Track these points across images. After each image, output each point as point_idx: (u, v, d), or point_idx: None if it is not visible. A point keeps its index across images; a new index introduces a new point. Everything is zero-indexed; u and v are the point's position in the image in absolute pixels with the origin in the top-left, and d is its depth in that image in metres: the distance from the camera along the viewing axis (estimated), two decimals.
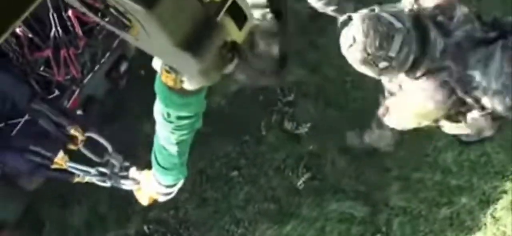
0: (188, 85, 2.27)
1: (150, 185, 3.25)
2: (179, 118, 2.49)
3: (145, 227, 5.40)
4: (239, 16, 1.87)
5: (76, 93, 4.73)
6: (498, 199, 5.16)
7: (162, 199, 3.36)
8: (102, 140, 3.61)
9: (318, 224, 5.21)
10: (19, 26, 4.18)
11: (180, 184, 3.17)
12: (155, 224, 5.41)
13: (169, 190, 3.18)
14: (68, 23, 4.39)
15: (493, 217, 5.13)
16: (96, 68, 4.90)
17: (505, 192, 5.14)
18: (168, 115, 2.48)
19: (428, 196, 5.25)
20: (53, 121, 3.77)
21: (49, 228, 5.53)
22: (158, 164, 2.92)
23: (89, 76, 4.80)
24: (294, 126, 5.53)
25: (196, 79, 2.07)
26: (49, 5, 4.15)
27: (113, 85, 5.22)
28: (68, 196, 5.52)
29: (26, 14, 1.08)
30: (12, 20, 1.07)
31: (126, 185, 3.63)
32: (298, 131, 5.51)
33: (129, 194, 5.33)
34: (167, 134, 2.65)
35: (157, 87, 2.36)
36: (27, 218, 5.32)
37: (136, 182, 3.54)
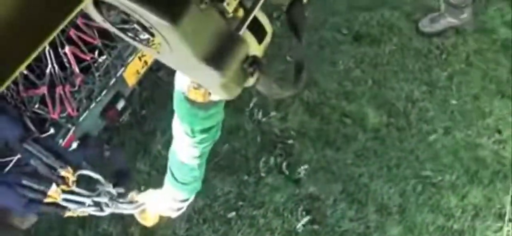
0: (215, 96, 2.30)
1: (160, 203, 3.26)
2: (203, 131, 2.53)
3: None
4: (259, 30, 1.91)
5: (71, 131, 4.67)
6: None
7: (174, 215, 3.35)
8: (94, 174, 3.62)
9: None
10: None
11: (192, 198, 3.18)
12: None
13: (182, 204, 3.19)
14: (65, 60, 4.35)
15: None
16: (92, 106, 4.85)
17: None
18: (192, 131, 2.52)
19: None
20: (44, 162, 3.73)
21: None
22: (176, 180, 2.93)
23: (85, 114, 4.75)
24: (293, 168, 5.48)
25: (218, 93, 2.07)
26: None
27: (109, 123, 5.18)
28: (62, 234, 5.45)
29: (37, 52, 1.04)
30: (24, 58, 1.02)
31: (127, 209, 3.65)
32: (297, 173, 5.46)
33: (123, 232, 5.36)
34: (189, 149, 2.68)
35: (180, 104, 2.39)
36: None
37: (139, 204, 3.54)
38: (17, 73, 1.02)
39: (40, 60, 4.32)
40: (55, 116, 4.43)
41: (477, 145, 5.44)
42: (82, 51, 4.42)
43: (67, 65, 4.39)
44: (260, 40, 1.94)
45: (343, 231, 5.20)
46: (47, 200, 3.72)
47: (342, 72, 5.83)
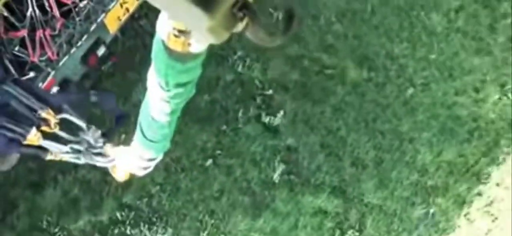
0: (195, 48, 2.20)
1: (128, 160, 3.20)
2: (178, 85, 2.42)
3: (118, 214, 5.41)
4: None
5: (51, 75, 4.71)
6: (472, 201, 5.21)
7: (140, 173, 3.25)
8: (75, 119, 3.64)
9: (292, 217, 5.24)
10: None
11: (159, 158, 3.06)
12: (128, 210, 5.42)
13: (149, 163, 3.12)
14: (46, 4, 4.39)
15: (468, 219, 5.19)
16: (72, 50, 4.90)
17: (480, 194, 5.19)
18: (167, 83, 2.42)
19: (404, 195, 5.28)
20: (24, 103, 3.77)
21: (20, 210, 5.52)
22: (145, 137, 2.87)
23: (65, 58, 4.79)
24: (271, 119, 5.56)
25: (205, 37, 1.96)
26: None
27: (89, 69, 5.23)
28: (41, 179, 5.53)
29: None
30: None
31: (100, 162, 3.63)
32: (276, 124, 5.55)
33: (102, 179, 5.41)
34: (161, 104, 2.58)
35: (157, 55, 2.32)
36: None
37: (111, 159, 3.51)
38: None
39: (21, 3, 4.36)
40: (35, 59, 4.50)
41: (454, 102, 5.52)
42: None
43: (48, 9, 4.42)
44: None
45: (319, 183, 5.32)
46: (27, 142, 3.78)
47: (324, 26, 5.86)
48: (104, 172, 5.33)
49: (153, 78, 2.42)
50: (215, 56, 5.66)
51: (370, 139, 5.43)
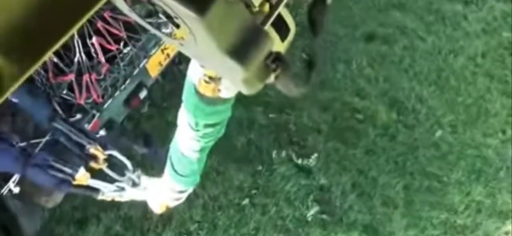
0: (225, 94, 2.31)
1: (161, 192, 3.32)
2: (207, 126, 2.53)
3: None
4: (282, 27, 1.91)
5: (96, 117, 4.94)
6: None
7: (172, 204, 3.39)
8: (122, 158, 3.76)
9: None
10: None
11: (190, 190, 3.21)
12: None
13: (180, 195, 3.23)
14: (92, 50, 4.65)
15: None
16: (116, 93, 5.13)
17: (507, 233, 5.29)
18: (196, 124, 2.52)
19: (434, 234, 5.37)
20: (73, 140, 3.96)
21: None
22: (175, 171, 2.96)
23: (110, 101, 5.03)
24: (305, 160, 5.73)
25: (239, 88, 2.02)
26: (75, 32, 4.36)
27: (132, 111, 5.45)
28: (84, 216, 5.71)
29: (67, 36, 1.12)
30: (58, 38, 1.09)
31: (140, 196, 3.74)
32: (309, 165, 5.71)
33: (143, 216, 5.61)
34: (191, 142, 2.68)
35: (188, 96, 2.40)
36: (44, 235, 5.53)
37: (146, 191, 3.64)
38: (46, 58, 1.06)
39: (69, 49, 4.60)
40: (81, 102, 4.72)
41: (482, 144, 5.65)
42: (108, 42, 4.73)
43: (94, 55, 4.68)
44: (283, 38, 1.92)
45: (351, 221, 5.43)
46: (75, 183, 3.86)
47: (355, 70, 6.08)
48: (145, 209, 5.57)
49: (184, 117, 2.54)
50: (250, 99, 5.85)
51: (400, 180, 5.54)
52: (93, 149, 3.84)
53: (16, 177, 4.56)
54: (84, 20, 1.10)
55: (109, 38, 4.69)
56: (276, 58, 1.79)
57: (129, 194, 3.80)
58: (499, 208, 5.39)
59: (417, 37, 6.25)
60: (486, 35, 6.11)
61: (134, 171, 3.73)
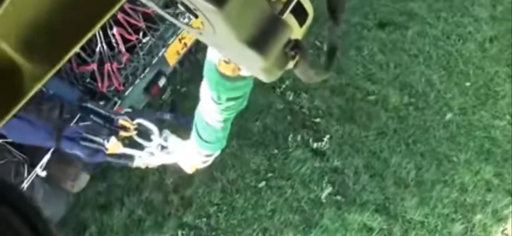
0: (245, 72, 2.34)
1: (189, 155, 3.35)
2: (229, 99, 2.55)
3: (179, 232, 5.76)
4: (300, 12, 1.86)
5: (118, 104, 5.15)
6: (509, 217, 5.44)
7: (200, 166, 3.41)
8: (149, 124, 3.92)
9: (339, 234, 5.52)
10: None
11: (217, 153, 3.24)
12: (189, 229, 5.76)
13: (207, 158, 3.26)
14: (113, 40, 4.87)
15: (505, 234, 5.41)
16: (136, 82, 5.35)
17: None
18: (219, 97, 2.53)
19: (444, 212, 5.53)
20: (102, 115, 4.16)
21: (91, 231, 5.90)
22: (200, 138, 3.01)
23: (130, 88, 5.24)
24: (319, 143, 5.91)
25: (258, 75, 2.02)
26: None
27: (152, 98, 5.67)
28: (108, 201, 5.93)
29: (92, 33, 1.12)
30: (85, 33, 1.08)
31: (170, 159, 3.82)
32: (323, 148, 5.89)
33: (164, 200, 5.80)
34: (214, 114, 2.72)
35: (209, 74, 2.43)
36: (70, 220, 5.76)
37: (174, 154, 3.70)
38: (68, 57, 1.06)
39: (91, 40, 4.78)
40: (104, 90, 4.95)
41: (490, 125, 5.81)
42: (128, 33, 4.94)
43: (115, 45, 4.91)
44: (301, 23, 1.88)
45: (364, 201, 5.61)
46: (108, 152, 4.11)
47: (367, 56, 6.26)
48: (166, 193, 5.81)
49: (206, 92, 2.56)
50: (266, 84, 6.03)
51: (411, 160, 5.69)
52: (122, 120, 4.06)
53: (43, 161, 4.80)
54: (106, 19, 1.10)
55: (129, 29, 4.89)
56: (295, 45, 1.79)
57: (159, 159, 3.90)
58: (507, 187, 5.53)
59: (427, 23, 6.39)
60: (494, 21, 6.25)
61: (161, 135, 3.82)
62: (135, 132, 4.01)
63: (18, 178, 4.85)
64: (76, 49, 1.10)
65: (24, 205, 1.26)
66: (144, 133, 4.00)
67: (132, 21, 4.93)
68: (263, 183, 5.85)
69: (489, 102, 5.93)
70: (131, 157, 4.03)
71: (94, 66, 4.90)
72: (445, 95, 6.00)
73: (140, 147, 4.01)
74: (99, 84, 4.94)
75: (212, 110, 2.68)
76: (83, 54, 4.88)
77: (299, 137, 5.96)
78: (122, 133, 4.07)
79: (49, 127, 4.44)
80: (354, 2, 6.52)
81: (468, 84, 6.02)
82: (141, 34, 5.22)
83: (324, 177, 5.78)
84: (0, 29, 0.95)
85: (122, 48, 4.95)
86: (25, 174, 4.84)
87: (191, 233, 5.77)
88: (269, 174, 5.88)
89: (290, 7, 1.74)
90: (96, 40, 4.75)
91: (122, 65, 5.03)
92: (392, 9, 6.53)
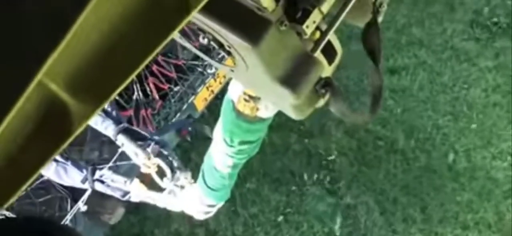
0: (263, 114, 2.30)
1: (190, 202, 3.33)
2: (242, 143, 2.51)
3: None
4: (330, 51, 1.85)
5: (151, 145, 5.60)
6: None
7: (201, 217, 3.39)
8: (165, 166, 3.94)
9: None
10: None
11: (219, 205, 3.19)
12: None
13: (209, 209, 3.21)
14: (148, 89, 5.34)
15: None
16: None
17: None
18: (231, 140, 2.49)
19: None
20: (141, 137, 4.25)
21: None
22: (206, 184, 2.94)
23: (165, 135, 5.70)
24: (333, 182, 6.34)
25: (289, 113, 1.99)
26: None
27: (181, 140, 6.15)
28: (140, 232, 6.34)
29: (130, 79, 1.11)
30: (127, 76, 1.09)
31: (175, 205, 3.86)
32: (337, 186, 6.32)
33: (191, 232, 6.24)
34: (224, 158, 2.65)
35: (225, 113, 2.39)
36: None
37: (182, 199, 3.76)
38: (112, 98, 1.07)
39: (128, 89, 5.29)
40: None
41: (492, 167, 6.18)
42: (161, 82, 5.38)
43: (149, 93, 5.37)
44: (330, 61, 1.87)
45: (374, 235, 6.06)
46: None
47: None
48: (192, 226, 6.23)
49: (219, 133, 2.50)
50: (285, 127, 6.50)
51: (418, 199, 6.10)
52: (144, 158, 4.09)
53: (84, 197, 5.24)
54: (147, 61, 1.10)
55: (162, 79, 5.32)
56: (326, 84, 1.79)
57: (166, 201, 3.88)
58: (507, 226, 5.88)
59: (435, 71, 6.75)
60: (497, 70, 6.61)
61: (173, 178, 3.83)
62: (156, 170, 3.94)
63: (62, 212, 5.22)
64: (122, 87, 1.10)
65: None
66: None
67: (165, 72, 5.35)
68: (282, 217, 6.26)
69: (491, 145, 6.27)
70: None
71: (131, 112, 5.28)
72: (450, 138, 6.36)
73: (159, 188, 3.99)
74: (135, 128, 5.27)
75: (223, 153, 2.63)
76: (121, 101, 5.29)
77: (315, 176, 6.38)
78: (144, 170, 4.08)
79: (84, 171, 4.64)
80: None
81: (472, 127, 6.38)
82: (173, 83, 5.67)
83: (337, 213, 6.18)
84: (51, 70, 0.94)
85: (156, 96, 5.39)
86: (68, 208, 5.22)
87: None
88: (287, 210, 6.29)
89: (321, 45, 1.75)
90: (133, 89, 5.20)
91: (156, 111, 5.44)
92: (403, 57, 6.89)
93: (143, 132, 4.20)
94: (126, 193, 4.33)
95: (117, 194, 4.44)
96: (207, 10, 1.49)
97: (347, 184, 6.32)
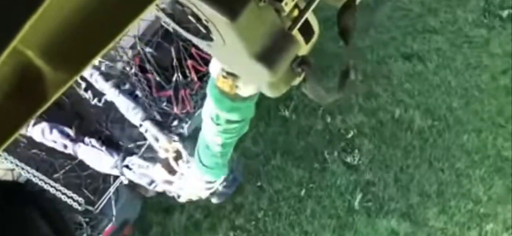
0: (242, 92, 2.27)
1: (192, 180, 3.44)
2: (228, 122, 2.48)
3: (232, 233, 6.60)
4: (307, 29, 1.83)
5: (188, 124, 5.76)
6: None
7: (204, 194, 3.50)
8: (182, 149, 4.43)
9: None
10: (150, 72, 5.38)
11: (220, 180, 3.26)
12: (240, 231, 6.58)
13: (209, 185, 3.28)
14: (187, 70, 5.52)
15: None
16: None
17: None
18: (217, 117, 2.46)
19: (461, 220, 6.28)
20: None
21: (154, 231, 6.72)
22: (201, 162, 2.97)
23: (199, 111, 5.89)
24: (353, 159, 6.69)
25: (264, 90, 2.01)
26: (173, 56, 5.33)
27: None
28: (170, 205, 6.67)
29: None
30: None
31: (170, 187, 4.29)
32: (357, 163, 6.67)
33: (218, 205, 6.43)
34: (213, 136, 2.64)
35: (210, 90, 2.37)
36: (137, 221, 6.49)
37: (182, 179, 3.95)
38: (90, 65, 1.10)
39: (168, 70, 5.48)
40: (177, 112, 5.48)
41: (502, 146, 6.53)
42: (200, 64, 5.53)
43: (188, 74, 5.53)
44: (307, 40, 1.84)
45: (392, 209, 6.41)
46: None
47: (396, 84, 6.99)
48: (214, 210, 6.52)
49: (207, 110, 2.51)
50: (308, 108, 6.87)
51: (433, 175, 6.46)
52: (165, 141, 4.53)
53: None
54: (123, 33, 1.09)
55: (200, 61, 5.49)
56: (302, 62, 1.77)
57: (178, 186, 4.13)
58: None
59: (448, 57, 7.07)
60: (506, 56, 6.93)
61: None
62: (174, 155, 4.28)
63: (105, 184, 5.45)
64: (97, 58, 1.08)
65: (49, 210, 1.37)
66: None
67: (203, 54, 5.42)
68: (304, 192, 6.63)
69: (502, 126, 6.61)
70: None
71: (171, 92, 5.43)
72: (463, 120, 6.70)
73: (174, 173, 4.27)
74: (175, 107, 5.45)
75: (211, 132, 2.63)
76: (162, 82, 5.46)
77: (335, 154, 6.73)
78: (162, 154, 4.38)
79: (115, 156, 4.97)
80: (385, 38, 7.22)
81: (483, 109, 6.70)
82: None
83: (357, 188, 6.54)
84: (27, 37, 0.93)
85: (194, 77, 5.52)
86: (111, 181, 5.42)
87: (242, 235, 6.56)
88: (310, 185, 6.65)
89: (299, 23, 1.72)
90: (173, 70, 5.37)
91: (194, 92, 5.56)
92: (418, 44, 7.20)
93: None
94: (152, 181, 4.67)
95: (144, 182, 4.81)
96: None
97: (366, 161, 6.66)
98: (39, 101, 1.06)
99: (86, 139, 5.09)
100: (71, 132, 5.09)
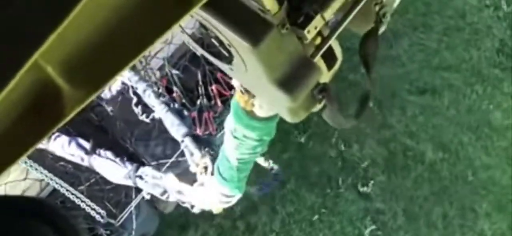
0: (257, 111, 2.29)
1: (210, 191, 3.37)
2: (245, 137, 2.48)
3: None
4: (330, 56, 1.82)
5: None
6: None
7: (220, 206, 3.43)
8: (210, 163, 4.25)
9: None
10: (177, 93, 5.56)
11: (237, 198, 3.18)
12: None
13: (227, 199, 3.20)
14: (211, 94, 5.69)
15: None
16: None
17: None
18: (235, 130, 2.47)
19: None
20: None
21: None
22: (219, 172, 2.96)
23: (221, 132, 5.89)
24: (365, 187, 6.87)
25: (284, 115, 1.98)
26: (199, 79, 5.53)
27: None
28: (186, 222, 6.84)
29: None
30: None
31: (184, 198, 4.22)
32: (368, 192, 6.86)
33: (232, 225, 6.77)
34: (231, 149, 2.65)
35: (233, 102, 2.38)
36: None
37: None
38: (111, 83, 1.03)
39: (193, 93, 5.66)
40: (200, 133, 5.55)
41: (508, 184, 6.68)
42: (224, 89, 5.73)
43: (212, 98, 5.69)
44: (330, 67, 1.85)
45: None
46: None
47: (409, 117, 7.15)
48: (234, 219, 6.70)
49: (228, 123, 2.54)
50: (321, 135, 7.02)
51: (440, 207, 6.63)
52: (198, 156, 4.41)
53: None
54: (145, 52, 1.07)
55: (224, 86, 5.69)
56: (323, 89, 1.75)
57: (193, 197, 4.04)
58: None
59: (461, 93, 7.21)
60: None
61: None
62: (202, 170, 4.07)
63: (127, 199, 5.56)
64: (119, 75, 1.07)
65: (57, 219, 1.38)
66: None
67: (228, 79, 5.57)
68: (317, 217, 6.77)
69: (510, 164, 6.77)
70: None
71: (195, 114, 5.54)
72: (472, 155, 6.85)
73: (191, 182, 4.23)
74: (198, 129, 5.54)
75: (230, 145, 2.64)
76: (187, 104, 5.57)
77: (348, 181, 6.90)
78: (192, 169, 4.25)
79: (128, 166, 4.95)
80: (400, 72, 7.36)
81: (493, 146, 6.87)
82: (233, 90, 5.94)
83: (367, 216, 6.70)
84: (48, 53, 0.93)
85: (218, 101, 5.65)
86: (133, 196, 5.52)
87: None
88: (322, 210, 6.80)
89: (322, 50, 1.72)
90: (198, 93, 5.56)
91: (217, 115, 5.66)
92: (433, 79, 7.33)
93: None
94: (165, 191, 4.65)
95: (156, 192, 4.79)
96: (210, 7, 1.49)
97: (377, 189, 6.84)
98: (56, 119, 1.05)
99: (102, 152, 5.12)
100: (87, 145, 5.13)
